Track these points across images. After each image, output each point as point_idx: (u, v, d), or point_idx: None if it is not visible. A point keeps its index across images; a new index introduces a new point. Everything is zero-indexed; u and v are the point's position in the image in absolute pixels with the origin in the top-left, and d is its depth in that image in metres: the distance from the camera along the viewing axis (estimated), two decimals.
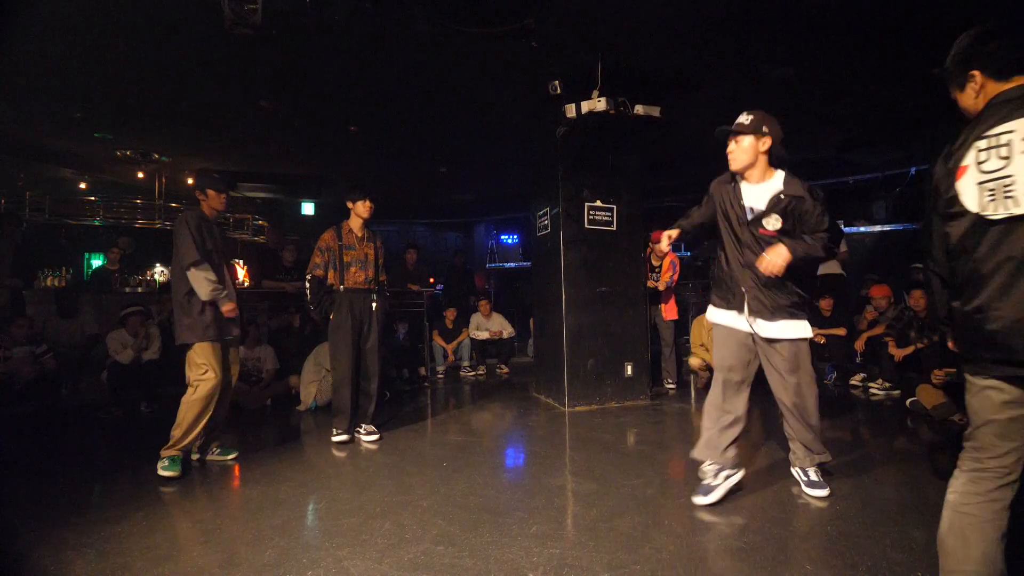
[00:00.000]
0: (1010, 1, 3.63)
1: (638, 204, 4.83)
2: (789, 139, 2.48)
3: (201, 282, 3.00)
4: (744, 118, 2.37)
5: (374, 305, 3.72)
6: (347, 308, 3.61)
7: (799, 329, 2.41)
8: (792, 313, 2.40)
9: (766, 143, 2.34)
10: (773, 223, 2.36)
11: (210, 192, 3.19)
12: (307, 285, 3.61)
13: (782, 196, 2.36)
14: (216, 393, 3.05)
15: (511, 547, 2.08)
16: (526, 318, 7.11)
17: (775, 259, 2.24)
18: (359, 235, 3.74)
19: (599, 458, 3.19)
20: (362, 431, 3.70)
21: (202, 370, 3.02)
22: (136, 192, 9.63)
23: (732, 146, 2.40)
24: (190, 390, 3.03)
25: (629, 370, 4.67)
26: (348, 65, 4.41)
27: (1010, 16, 3.87)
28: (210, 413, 3.06)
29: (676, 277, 5.28)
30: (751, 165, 2.39)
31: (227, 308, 3.11)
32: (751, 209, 2.41)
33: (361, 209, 3.70)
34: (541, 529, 2.24)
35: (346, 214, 3.75)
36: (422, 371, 6.10)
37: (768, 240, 2.35)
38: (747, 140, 2.35)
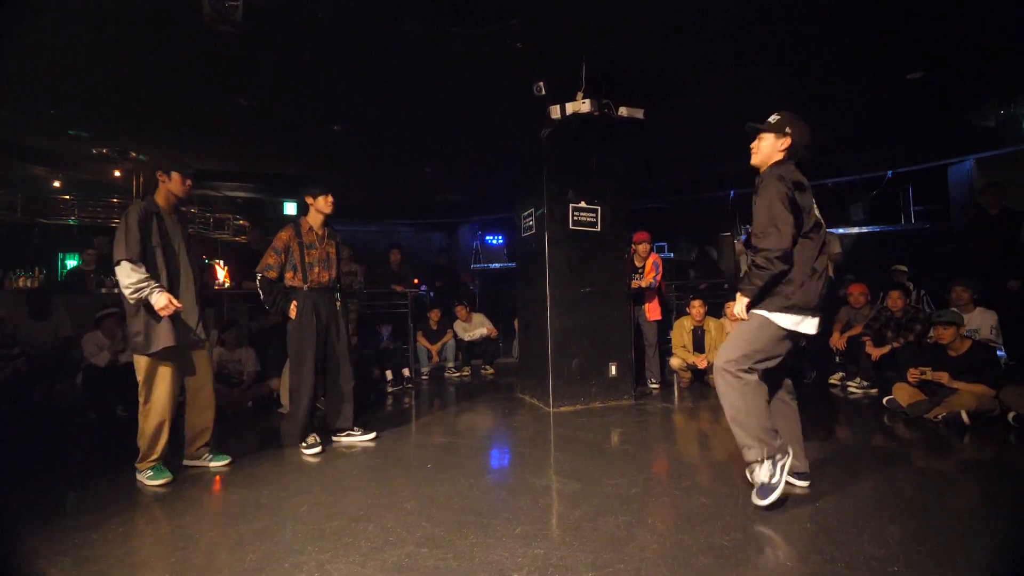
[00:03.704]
0: (991, 17, 3.76)
1: (622, 205, 4.86)
2: None
3: (123, 278, 2.71)
4: (772, 117, 2.50)
5: (338, 304, 3.60)
6: (311, 308, 3.44)
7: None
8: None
9: (785, 143, 2.45)
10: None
11: (174, 175, 2.96)
12: (257, 285, 3.41)
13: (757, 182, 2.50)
14: (169, 401, 2.90)
15: (496, 548, 2.08)
16: (511, 319, 7.11)
17: (737, 311, 2.47)
18: (320, 233, 3.55)
19: (584, 458, 3.21)
20: (356, 433, 3.65)
21: (152, 382, 2.87)
22: (113, 191, 9.42)
23: (755, 143, 2.53)
24: (141, 400, 2.88)
25: (613, 370, 4.69)
26: (331, 63, 4.37)
27: (994, 31, 3.99)
28: (169, 419, 2.92)
29: (659, 277, 5.32)
30: (766, 164, 2.50)
31: (160, 305, 2.74)
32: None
33: (323, 204, 3.52)
34: (526, 530, 2.24)
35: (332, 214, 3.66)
36: (406, 372, 6.07)
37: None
38: (768, 138, 2.48)
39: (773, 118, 2.50)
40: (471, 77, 4.68)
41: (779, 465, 2.37)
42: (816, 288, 2.40)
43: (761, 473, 2.38)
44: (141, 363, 2.86)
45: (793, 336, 2.45)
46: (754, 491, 2.40)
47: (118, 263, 2.74)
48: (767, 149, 2.48)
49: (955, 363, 3.91)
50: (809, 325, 2.42)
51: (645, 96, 4.66)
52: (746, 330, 2.47)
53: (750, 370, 2.42)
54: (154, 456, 2.91)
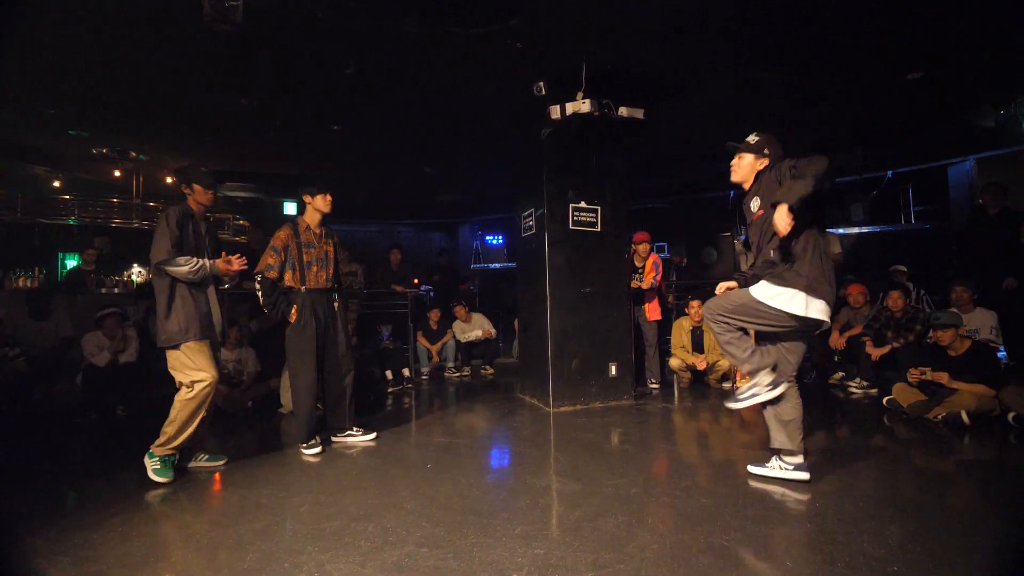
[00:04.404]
0: (991, 17, 3.76)
1: (622, 205, 4.86)
2: None
3: (177, 268, 2.91)
4: (751, 138, 2.61)
5: (336, 305, 3.60)
6: (310, 311, 3.44)
7: (757, 288, 2.56)
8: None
9: (763, 163, 2.58)
10: (755, 205, 2.59)
11: (196, 187, 3.09)
12: (257, 286, 3.41)
13: (755, 182, 2.61)
14: (211, 392, 2.99)
15: (496, 548, 2.08)
16: (511, 319, 7.11)
17: (779, 218, 2.26)
18: (317, 232, 3.55)
19: (583, 458, 3.21)
20: (357, 433, 3.64)
21: (195, 370, 2.94)
22: (113, 191, 9.44)
23: (735, 160, 2.64)
24: (185, 390, 2.93)
25: (613, 370, 4.69)
26: (331, 63, 4.37)
27: (994, 31, 3.99)
28: (203, 412, 2.99)
29: (659, 278, 5.32)
30: (747, 181, 2.65)
31: (223, 267, 3.08)
32: (748, 208, 2.66)
33: (321, 203, 3.53)
34: (526, 530, 2.24)
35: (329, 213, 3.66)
36: (406, 372, 6.07)
37: (755, 221, 2.59)
38: (748, 158, 2.61)
39: (752, 138, 2.60)
40: (471, 77, 4.68)
41: (755, 385, 2.57)
42: (812, 272, 2.46)
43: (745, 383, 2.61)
44: (186, 354, 2.94)
45: (787, 316, 2.47)
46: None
47: (164, 262, 2.89)
48: (747, 169, 2.61)
49: (955, 363, 3.91)
50: (808, 307, 2.45)
51: (645, 96, 4.66)
52: (737, 294, 2.61)
53: (727, 323, 2.56)
54: (177, 443, 2.94)
